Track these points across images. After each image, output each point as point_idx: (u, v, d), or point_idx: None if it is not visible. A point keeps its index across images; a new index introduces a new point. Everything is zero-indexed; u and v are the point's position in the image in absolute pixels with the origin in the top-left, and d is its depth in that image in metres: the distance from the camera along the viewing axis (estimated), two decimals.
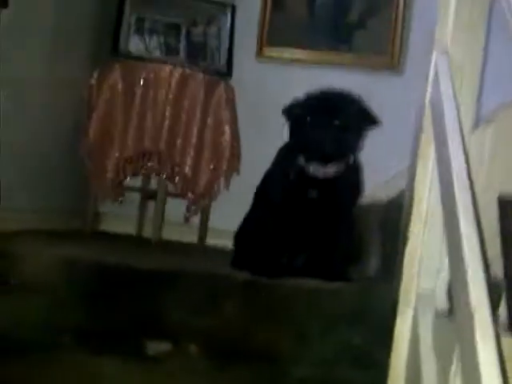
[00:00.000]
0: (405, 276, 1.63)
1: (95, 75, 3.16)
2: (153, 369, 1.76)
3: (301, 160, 2.14)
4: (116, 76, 3.11)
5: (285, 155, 2.25)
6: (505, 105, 1.62)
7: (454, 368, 1.19)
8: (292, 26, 3.48)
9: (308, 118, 2.10)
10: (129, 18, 3.35)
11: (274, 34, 3.48)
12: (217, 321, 1.80)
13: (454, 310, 1.21)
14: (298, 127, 2.15)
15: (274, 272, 1.97)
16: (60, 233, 2.86)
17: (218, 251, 2.90)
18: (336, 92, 2.16)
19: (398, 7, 3.35)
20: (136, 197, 3.44)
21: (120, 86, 3.10)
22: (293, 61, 3.45)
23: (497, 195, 1.53)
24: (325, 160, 2.12)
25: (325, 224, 2.14)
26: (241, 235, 2.40)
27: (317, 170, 2.13)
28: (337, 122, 2.08)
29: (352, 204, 2.23)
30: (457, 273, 1.21)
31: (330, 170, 2.12)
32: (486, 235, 1.40)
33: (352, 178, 2.20)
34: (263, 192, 2.32)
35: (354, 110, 2.13)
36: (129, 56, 3.29)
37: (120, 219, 3.45)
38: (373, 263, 2.29)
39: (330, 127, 2.07)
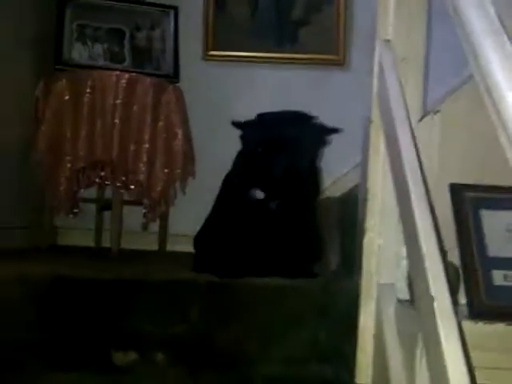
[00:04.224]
0: (365, 268, 1.65)
1: (40, 86, 3.10)
2: (121, 379, 1.75)
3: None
4: (62, 86, 3.04)
5: (243, 164, 2.22)
6: (449, 93, 1.66)
7: (419, 356, 1.22)
8: (236, 25, 3.48)
9: (259, 149, 2.09)
10: (70, 26, 3.30)
11: (218, 36, 3.48)
12: (182, 327, 1.80)
13: (415, 299, 1.24)
14: (249, 159, 2.14)
15: (238, 272, 1.96)
16: (16, 249, 2.80)
17: (178, 257, 2.88)
18: (288, 116, 2.15)
19: (340, 1, 3.38)
20: (92, 208, 3.39)
21: (66, 95, 3.03)
22: (240, 61, 3.46)
23: (448, 183, 1.56)
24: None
25: (287, 227, 2.14)
26: (201, 238, 2.39)
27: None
28: (289, 153, 2.07)
29: (313, 206, 2.24)
30: (415, 262, 1.23)
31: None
32: (441, 222, 1.43)
33: (311, 181, 2.21)
34: (224, 195, 2.31)
35: (308, 135, 2.13)
36: (73, 65, 3.25)
37: (77, 232, 3.40)
38: (333, 258, 2.31)
39: (281, 160, 2.06)
